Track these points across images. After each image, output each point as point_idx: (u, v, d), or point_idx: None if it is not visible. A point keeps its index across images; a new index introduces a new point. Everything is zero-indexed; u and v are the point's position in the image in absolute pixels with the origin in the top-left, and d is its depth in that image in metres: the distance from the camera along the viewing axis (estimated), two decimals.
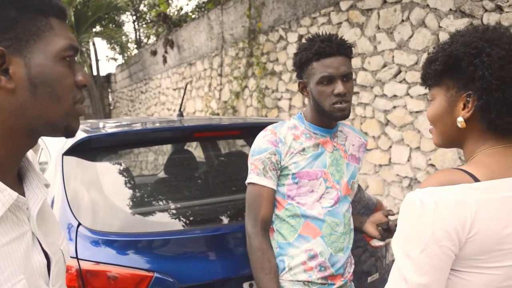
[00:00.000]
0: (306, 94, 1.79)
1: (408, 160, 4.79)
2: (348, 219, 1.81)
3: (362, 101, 5.26)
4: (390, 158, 4.98)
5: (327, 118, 1.74)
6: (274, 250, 1.75)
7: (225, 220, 2.12)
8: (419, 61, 4.54)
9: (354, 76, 5.31)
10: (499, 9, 3.81)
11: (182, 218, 2.07)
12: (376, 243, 2.27)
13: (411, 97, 4.67)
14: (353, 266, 1.90)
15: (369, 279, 2.25)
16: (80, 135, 2.03)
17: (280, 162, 1.71)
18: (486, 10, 3.90)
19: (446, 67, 1.11)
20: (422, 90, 4.54)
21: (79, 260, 1.66)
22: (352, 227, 1.85)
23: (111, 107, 17.49)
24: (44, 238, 0.90)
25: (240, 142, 3.08)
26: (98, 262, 1.68)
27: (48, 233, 0.94)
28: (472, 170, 1.06)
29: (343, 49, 1.71)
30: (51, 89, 0.85)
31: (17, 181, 0.91)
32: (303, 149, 1.74)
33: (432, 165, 4.50)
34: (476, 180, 1.03)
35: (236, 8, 7.73)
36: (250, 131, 2.49)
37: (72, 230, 1.75)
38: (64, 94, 0.87)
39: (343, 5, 5.41)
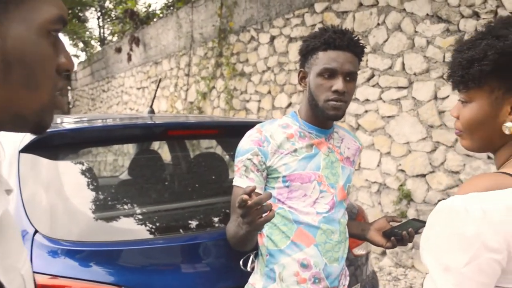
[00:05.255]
0: (303, 85, 1.66)
1: (378, 165, 4.73)
2: (343, 227, 1.68)
3: None
4: (360, 163, 4.92)
5: (319, 115, 1.61)
6: (264, 258, 1.62)
7: (200, 228, 1.94)
8: (393, 66, 4.49)
9: None
10: (476, 15, 3.79)
11: (152, 225, 1.88)
12: (359, 251, 2.15)
13: (384, 101, 4.62)
14: (348, 278, 1.77)
15: None
16: None
17: (265, 163, 1.57)
18: (463, 16, 3.87)
19: (496, 67, 0.97)
20: (395, 94, 4.49)
21: (34, 274, 1.45)
22: (347, 235, 1.72)
23: (70, 106, 16.98)
24: None
25: (213, 142, 2.92)
26: (56, 276, 1.48)
27: (5, 253, 0.72)
28: None
29: (354, 46, 1.58)
30: (29, 71, 0.65)
31: None
32: (295, 150, 1.60)
33: (402, 170, 4.46)
34: None
35: (207, 6, 7.56)
36: (227, 130, 2.33)
37: (27, 238, 1.53)
38: (44, 81, 0.67)
39: (318, 7, 5.33)
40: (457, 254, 0.89)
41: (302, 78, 1.67)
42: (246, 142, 1.60)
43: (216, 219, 2.08)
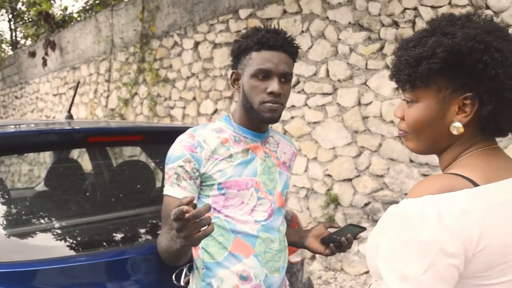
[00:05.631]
0: (237, 87, 1.58)
1: (305, 171, 4.78)
2: (283, 235, 1.62)
3: None
4: None
5: (254, 118, 1.54)
6: (199, 272, 1.51)
7: (127, 241, 1.81)
8: (318, 72, 4.56)
9: None
10: (395, 24, 3.93)
11: (72, 240, 1.72)
12: (294, 258, 2.11)
13: (309, 107, 4.68)
14: None
15: None
16: None
17: (198, 170, 1.47)
18: (383, 25, 4.01)
19: (445, 65, 0.93)
20: (320, 101, 4.56)
21: None
22: (287, 243, 1.66)
23: None
24: None
25: (137, 149, 2.78)
26: None
27: None
28: (467, 174, 0.91)
29: (289, 47, 1.52)
30: None
31: None
32: (230, 155, 1.51)
33: (329, 175, 4.53)
34: (476, 184, 0.89)
35: (128, 10, 7.31)
36: (152, 136, 2.21)
37: None
38: None
39: (242, 13, 5.31)
40: (415, 261, 0.84)
41: (235, 80, 1.58)
42: (178, 148, 1.49)
43: (144, 231, 1.96)
